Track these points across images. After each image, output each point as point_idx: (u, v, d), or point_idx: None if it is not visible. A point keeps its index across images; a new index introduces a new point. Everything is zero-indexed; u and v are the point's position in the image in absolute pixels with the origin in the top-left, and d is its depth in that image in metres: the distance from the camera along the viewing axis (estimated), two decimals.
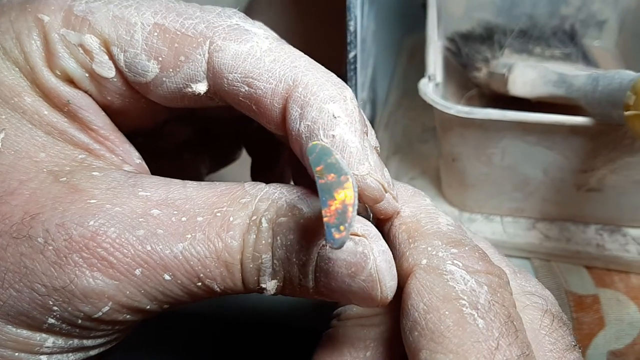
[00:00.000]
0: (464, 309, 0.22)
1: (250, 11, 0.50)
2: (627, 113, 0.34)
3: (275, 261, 0.24)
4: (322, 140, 0.24)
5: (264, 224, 0.24)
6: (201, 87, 0.26)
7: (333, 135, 0.24)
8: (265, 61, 0.25)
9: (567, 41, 0.56)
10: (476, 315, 0.22)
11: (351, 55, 0.39)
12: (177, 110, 0.30)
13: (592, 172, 0.42)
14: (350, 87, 0.41)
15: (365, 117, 0.27)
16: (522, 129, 0.41)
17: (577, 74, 0.42)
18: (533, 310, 0.25)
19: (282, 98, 0.25)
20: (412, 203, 0.27)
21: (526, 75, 0.45)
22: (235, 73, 0.25)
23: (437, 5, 0.52)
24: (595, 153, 0.41)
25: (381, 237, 0.24)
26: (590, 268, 0.46)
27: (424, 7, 0.67)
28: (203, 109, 0.34)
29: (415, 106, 0.59)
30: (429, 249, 0.24)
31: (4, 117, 0.25)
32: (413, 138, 0.57)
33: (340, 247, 0.20)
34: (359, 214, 0.24)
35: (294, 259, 0.24)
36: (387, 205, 0.25)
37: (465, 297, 0.22)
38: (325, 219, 0.20)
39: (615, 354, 0.42)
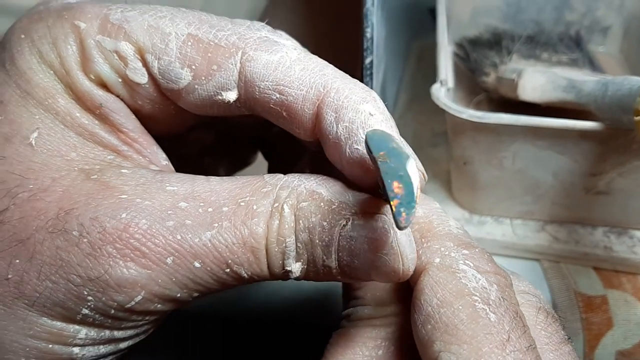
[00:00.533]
0: (477, 304, 0.23)
1: (264, 18, 0.51)
2: (637, 118, 0.35)
3: (298, 244, 0.25)
4: (362, 137, 0.24)
5: (286, 210, 0.25)
6: (231, 95, 0.27)
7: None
8: (296, 69, 0.26)
9: (573, 47, 0.58)
10: (488, 310, 0.23)
11: (367, 61, 0.40)
12: (201, 118, 0.31)
13: (601, 176, 0.43)
14: None
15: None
16: (533, 133, 0.42)
17: (586, 79, 0.43)
18: (528, 308, 0.26)
19: (313, 104, 0.26)
20: (424, 205, 0.28)
21: (536, 80, 0.46)
22: (266, 81, 0.26)
23: (446, 12, 0.53)
24: (605, 157, 0.42)
25: None
26: (598, 269, 0.47)
27: (431, 12, 0.69)
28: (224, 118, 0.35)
29: (424, 110, 0.60)
30: (442, 249, 0.25)
31: (37, 117, 0.26)
32: (423, 142, 0.58)
33: (407, 227, 0.21)
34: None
35: (317, 241, 0.25)
36: None
37: (478, 294, 0.23)
38: (394, 202, 0.21)
39: (623, 354, 0.43)
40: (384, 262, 0.24)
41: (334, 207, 0.25)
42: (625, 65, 0.61)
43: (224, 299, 0.45)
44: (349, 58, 0.48)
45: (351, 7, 0.45)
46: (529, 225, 0.49)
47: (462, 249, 0.25)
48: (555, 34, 0.60)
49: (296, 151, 0.37)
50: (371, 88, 0.41)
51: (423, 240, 0.26)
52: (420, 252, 0.26)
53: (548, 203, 0.47)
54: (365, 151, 0.24)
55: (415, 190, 0.21)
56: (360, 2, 0.41)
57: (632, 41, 0.61)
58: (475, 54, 0.56)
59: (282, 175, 0.27)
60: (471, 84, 0.57)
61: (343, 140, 0.25)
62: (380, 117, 0.25)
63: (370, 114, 0.25)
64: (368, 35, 0.38)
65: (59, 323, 0.25)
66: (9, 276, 0.24)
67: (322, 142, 0.27)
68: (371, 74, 0.40)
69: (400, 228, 0.21)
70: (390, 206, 0.21)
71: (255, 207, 0.25)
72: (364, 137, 0.24)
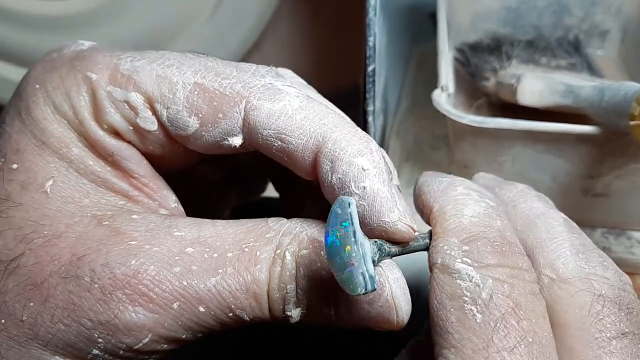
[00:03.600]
0: (465, 305, 0.23)
1: (270, 28, 0.52)
2: (632, 123, 0.36)
3: (299, 290, 0.26)
4: (353, 190, 0.26)
5: (288, 257, 0.26)
6: (237, 141, 0.28)
7: (364, 187, 0.26)
8: (297, 119, 0.27)
9: (572, 51, 0.58)
10: (475, 310, 0.23)
11: (370, 68, 0.41)
12: (209, 156, 0.32)
13: (599, 178, 0.44)
14: (368, 98, 0.44)
15: (389, 162, 0.29)
16: (531, 137, 0.42)
17: (583, 84, 0.44)
18: (585, 296, 0.25)
19: (312, 152, 0.27)
20: (441, 198, 0.28)
21: (534, 85, 0.47)
22: (269, 130, 0.27)
23: (446, 17, 0.54)
24: (602, 160, 0.43)
25: (396, 265, 0.26)
26: None
27: (431, 17, 0.69)
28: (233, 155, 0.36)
29: (425, 115, 0.61)
30: (445, 247, 0.25)
31: (52, 165, 0.28)
32: (424, 146, 0.59)
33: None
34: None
35: (316, 289, 0.26)
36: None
37: (468, 294, 0.24)
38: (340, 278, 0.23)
39: None
40: (379, 313, 0.26)
41: None
42: (623, 69, 0.62)
43: None
44: (352, 65, 0.50)
45: (354, 15, 0.46)
46: None
47: (464, 245, 0.25)
48: (554, 39, 0.61)
49: (306, 183, 0.38)
50: (373, 95, 0.43)
51: (435, 237, 0.26)
52: (430, 251, 0.26)
53: None
54: None
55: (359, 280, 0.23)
56: (363, 11, 0.42)
57: (630, 45, 0.62)
58: (475, 59, 0.57)
59: (285, 220, 0.28)
60: (471, 88, 0.58)
61: (336, 189, 0.26)
62: (374, 171, 0.26)
63: (363, 168, 0.26)
64: (370, 44, 0.40)
65: None
66: (24, 318, 0.25)
67: (320, 185, 0.27)
68: (373, 81, 0.42)
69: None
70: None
71: (258, 253, 0.26)
72: (354, 190, 0.26)
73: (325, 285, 0.26)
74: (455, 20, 0.62)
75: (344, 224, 0.23)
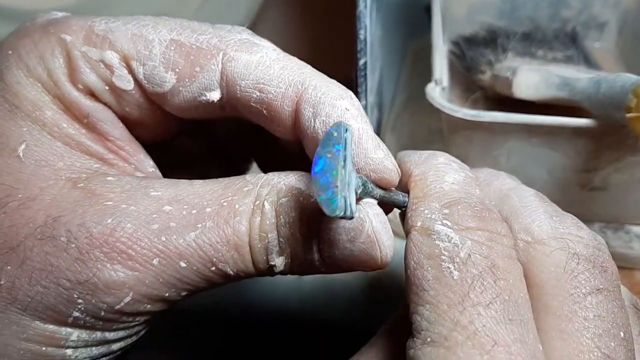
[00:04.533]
0: (443, 263, 0.24)
1: (260, 19, 0.52)
2: (629, 115, 0.36)
3: (280, 239, 0.26)
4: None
5: (267, 207, 0.26)
6: (215, 95, 0.28)
7: (350, 126, 0.25)
8: (275, 68, 0.27)
9: (569, 44, 0.58)
10: (452, 268, 0.24)
11: (361, 62, 0.40)
12: (188, 124, 0.32)
13: (596, 172, 0.44)
14: (360, 92, 0.43)
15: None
16: (527, 131, 0.42)
17: (579, 77, 0.43)
18: (560, 254, 0.25)
19: (292, 101, 0.27)
20: (423, 165, 0.29)
21: (530, 78, 0.46)
22: (247, 80, 0.27)
23: (441, 10, 0.53)
24: (599, 153, 0.42)
25: (375, 203, 0.27)
26: None
27: (427, 11, 0.69)
28: (212, 125, 0.36)
29: (420, 109, 0.61)
30: (426, 211, 0.26)
31: (25, 129, 0.28)
32: (419, 140, 0.58)
33: (334, 215, 0.23)
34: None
35: (298, 234, 0.26)
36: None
37: (447, 253, 0.24)
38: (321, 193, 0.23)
39: None
40: (362, 250, 0.26)
41: (312, 200, 0.26)
42: (621, 61, 0.61)
43: (224, 297, 0.46)
44: (345, 59, 0.49)
45: (346, 8, 0.45)
46: None
47: (444, 208, 0.26)
48: (551, 31, 0.60)
49: (287, 159, 0.38)
50: (365, 89, 0.42)
51: (414, 201, 0.27)
52: (409, 215, 0.27)
53: None
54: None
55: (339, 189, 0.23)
56: (354, 4, 0.41)
57: (628, 37, 0.61)
58: (471, 52, 0.56)
59: (262, 174, 0.28)
60: (467, 81, 0.57)
61: (320, 134, 0.26)
62: (355, 112, 0.26)
63: (346, 109, 0.26)
64: (361, 37, 0.39)
65: (51, 326, 0.26)
66: (1, 282, 0.25)
67: (302, 138, 0.28)
68: (365, 75, 0.41)
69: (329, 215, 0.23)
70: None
71: (237, 206, 0.26)
72: None
73: (307, 230, 0.26)
74: (451, 12, 0.61)
75: (337, 146, 0.23)
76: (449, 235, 0.25)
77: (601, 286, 0.25)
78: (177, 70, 0.28)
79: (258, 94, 0.27)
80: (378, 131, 0.56)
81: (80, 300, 0.25)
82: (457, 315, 0.22)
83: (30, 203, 0.26)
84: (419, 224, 0.26)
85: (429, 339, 0.23)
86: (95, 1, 0.48)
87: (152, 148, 0.32)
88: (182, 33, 0.28)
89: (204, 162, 0.39)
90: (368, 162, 0.26)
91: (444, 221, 0.25)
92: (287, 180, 0.27)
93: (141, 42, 0.28)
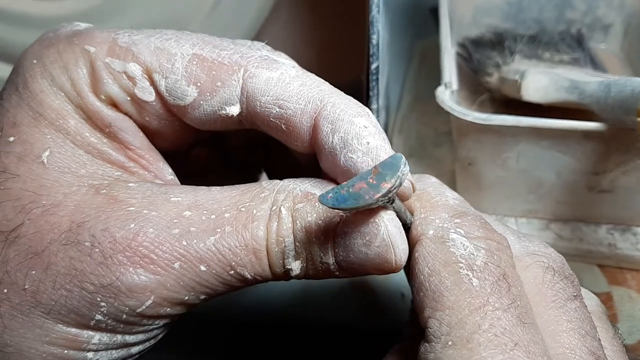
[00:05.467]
0: (461, 270, 0.25)
1: (269, 24, 0.52)
2: (639, 119, 0.36)
3: (297, 243, 0.27)
4: (357, 147, 0.26)
5: (284, 212, 0.27)
6: (234, 110, 0.28)
7: (368, 143, 0.26)
8: (294, 85, 0.28)
9: (575, 46, 0.58)
10: (471, 275, 0.25)
11: (373, 66, 0.40)
12: (204, 135, 0.33)
13: (604, 175, 0.44)
14: (372, 96, 0.43)
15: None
16: (536, 134, 0.42)
17: (588, 80, 0.44)
18: (536, 268, 0.28)
19: (310, 117, 0.28)
20: (420, 182, 0.30)
21: (539, 81, 0.47)
22: (267, 96, 0.28)
23: (448, 13, 0.54)
24: (607, 156, 0.43)
25: (390, 209, 0.27)
26: (602, 267, 0.48)
27: (432, 11, 0.69)
28: (225, 135, 0.37)
29: (427, 110, 0.61)
30: (437, 220, 0.27)
31: (49, 137, 0.28)
32: (427, 142, 0.59)
33: (323, 203, 0.24)
34: None
35: (314, 239, 0.27)
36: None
37: (464, 261, 0.25)
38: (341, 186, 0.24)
39: (627, 349, 0.43)
40: (377, 254, 0.26)
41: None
42: (626, 63, 0.61)
43: (225, 299, 0.46)
44: (353, 62, 0.49)
45: (355, 12, 0.46)
46: (533, 224, 0.49)
47: (455, 218, 0.27)
48: (557, 33, 0.60)
49: (295, 171, 0.38)
50: (377, 93, 0.42)
51: (422, 210, 0.28)
52: (418, 222, 0.28)
53: (552, 202, 0.48)
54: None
55: (346, 203, 0.24)
56: (363, 7, 0.42)
57: (633, 39, 0.61)
58: (477, 54, 0.57)
59: (278, 180, 0.29)
60: (474, 84, 0.57)
61: (338, 149, 0.27)
62: (373, 129, 0.27)
63: (364, 126, 0.27)
64: (374, 41, 0.39)
65: (73, 329, 0.26)
66: (26, 286, 0.26)
67: (318, 153, 0.28)
68: (377, 79, 0.41)
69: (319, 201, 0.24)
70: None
71: (255, 211, 0.27)
72: (358, 147, 0.26)
73: (323, 235, 0.27)
74: (456, 14, 0.61)
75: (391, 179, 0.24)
76: (464, 244, 0.26)
77: (575, 293, 0.27)
78: (198, 84, 0.28)
79: (277, 109, 0.28)
80: (385, 133, 0.57)
81: (103, 304, 0.26)
82: (478, 319, 0.24)
83: (54, 209, 0.27)
84: (431, 232, 0.27)
85: (450, 342, 0.24)
86: (109, 6, 0.48)
87: (168, 157, 0.32)
88: (204, 48, 0.29)
89: (216, 171, 0.40)
90: None
91: (457, 229, 0.26)
92: (302, 186, 0.28)
93: (164, 56, 0.28)
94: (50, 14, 0.48)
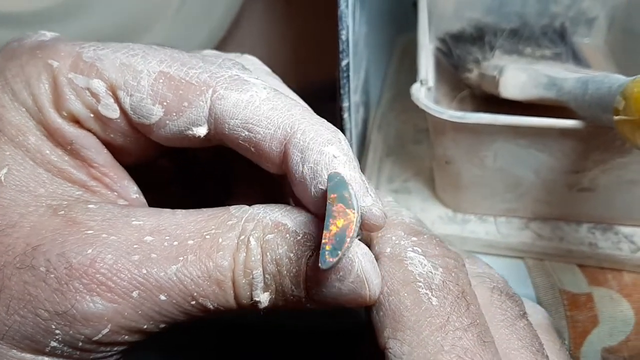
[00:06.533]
0: (420, 289, 0.25)
1: (242, 19, 0.51)
2: (616, 118, 0.35)
3: (266, 275, 0.26)
4: (326, 178, 0.26)
5: (253, 242, 0.26)
6: (201, 131, 0.28)
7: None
8: (264, 109, 0.27)
9: (558, 40, 0.57)
10: (430, 294, 0.25)
11: (344, 63, 0.39)
12: (169, 148, 0.32)
13: (584, 173, 0.43)
14: (343, 94, 0.42)
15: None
16: (513, 132, 0.41)
17: (566, 76, 0.43)
18: (482, 289, 0.28)
19: (280, 142, 0.27)
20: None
21: (516, 78, 0.46)
22: (236, 119, 0.27)
23: (428, 6, 0.53)
24: (587, 154, 0.42)
25: (362, 243, 0.27)
26: (583, 267, 0.47)
27: (414, 6, 0.68)
28: (192, 150, 0.36)
29: (407, 108, 0.60)
30: (393, 238, 0.27)
31: (8, 153, 0.27)
32: (406, 139, 0.57)
33: (329, 269, 0.22)
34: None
35: (285, 272, 0.26)
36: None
37: (422, 280, 0.25)
38: (323, 241, 0.22)
39: (609, 351, 0.43)
40: (351, 289, 0.25)
41: (299, 238, 0.26)
42: (610, 57, 0.60)
43: None
44: (329, 58, 0.48)
45: (330, 6, 0.44)
46: (512, 223, 0.48)
47: (412, 237, 0.27)
48: (539, 28, 0.59)
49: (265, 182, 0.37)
50: (347, 90, 0.41)
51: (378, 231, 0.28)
52: (375, 241, 0.28)
53: (531, 200, 0.47)
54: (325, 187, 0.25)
55: (345, 242, 0.23)
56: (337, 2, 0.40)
57: (617, 33, 0.60)
58: (458, 50, 0.56)
59: (247, 207, 0.28)
60: (455, 80, 0.56)
61: (308, 180, 0.26)
62: (344, 158, 0.26)
63: (334, 156, 0.26)
64: (343, 37, 0.38)
65: (28, 355, 0.26)
66: None
67: (289, 179, 0.27)
68: (348, 76, 0.40)
69: (322, 268, 0.22)
70: (321, 244, 0.23)
71: (220, 240, 0.26)
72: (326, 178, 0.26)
73: (294, 268, 0.26)
74: (438, 8, 0.60)
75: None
76: (422, 262, 0.26)
77: (522, 312, 0.28)
78: (164, 103, 0.27)
79: (246, 133, 0.27)
80: (364, 130, 0.55)
81: (58, 331, 0.25)
82: (440, 339, 0.23)
83: (9, 230, 0.26)
84: (388, 250, 0.27)
85: None
86: (73, 4, 0.46)
87: (131, 167, 0.32)
88: (171, 65, 0.28)
89: (180, 181, 0.39)
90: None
91: (415, 248, 0.26)
92: (272, 216, 0.27)
93: (129, 72, 0.28)
94: (15, 10, 0.47)
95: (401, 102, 0.62)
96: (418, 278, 0.25)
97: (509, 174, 0.45)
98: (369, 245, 0.27)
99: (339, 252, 0.22)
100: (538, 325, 0.29)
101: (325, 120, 0.28)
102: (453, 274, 0.26)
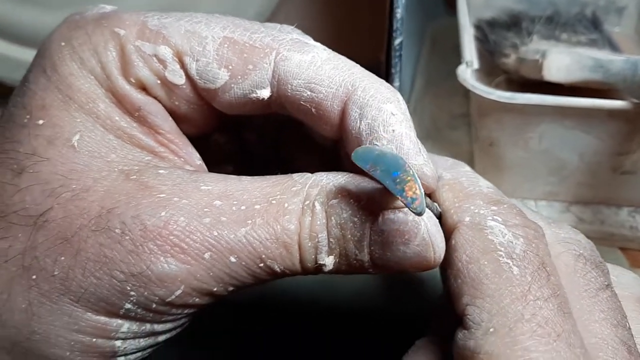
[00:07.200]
0: (501, 258, 0.25)
1: (283, 3, 0.51)
2: None
3: (331, 239, 0.26)
4: (382, 135, 0.26)
5: (317, 207, 0.26)
6: (265, 93, 0.28)
7: (393, 130, 0.26)
8: (326, 68, 0.27)
9: (592, 28, 0.57)
10: (511, 263, 0.24)
11: (397, 42, 0.40)
12: (224, 122, 0.32)
13: (628, 155, 0.43)
14: (394, 73, 0.42)
15: None
16: (560, 113, 0.41)
17: (612, 58, 0.43)
18: (567, 256, 0.27)
19: (342, 101, 0.27)
20: (452, 170, 0.30)
21: (561, 60, 0.46)
22: (299, 79, 0.27)
23: None
24: (632, 136, 0.42)
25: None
26: (625, 249, 0.47)
27: None
28: (244, 124, 0.37)
29: (441, 93, 0.60)
30: (472, 207, 0.27)
31: (79, 120, 0.28)
32: (442, 125, 0.58)
33: (423, 211, 0.23)
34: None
35: (349, 236, 0.26)
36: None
37: (503, 249, 0.25)
38: (401, 198, 0.23)
39: None
40: (417, 252, 0.26)
41: (362, 202, 0.26)
42: None
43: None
44: (369, 43, 0.48)
45: None
46: (553, 207, 0.49)
47: (491, 206, 0.27)
48: (572, 15, 0.59)
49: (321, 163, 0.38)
50: (399, 70, 0.41)
51: (455, 200, 0.28)
52: (452, 211, 0.27)
53: (573, 184, 0.47)
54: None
55: (415, 178, 0.23)
56: None
57: None
58: (493, 35, 0.56)
59: (310, 174, 0.28)
60: (489, 66, 0.56)
61: (364, 136, 0.26)
62: (401, 117, 0.26)
63: (392, 113, 0.26)
64: (398, 15, 0.38)
65: (103, 318, 0.26)
66: (55, 273, 0.25)
67: (344, 138, 0.28)
68: (400, 55, 0.40)
69: (418, 214, 0.23)
70: (401, 201, 0.23)
71: (286, 204, 0.26)
72: (384, 134, 0.26)
73: (358, 232, 0.26)
74: None
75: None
76: (502, 231, 0.25)
77: (606, 283, 0.27)
78: (230, 67, 0.28)
79: (309, 93, 0.27)
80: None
81: (133, 292, 0.25)
82: (520, 308, 0.23)
83: (84, 194, 0.26)
84: (467, 219, 0.26)
85: (491, 330, 0.23)
86: None
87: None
88: (235, 31, 0.28)
89: (234, 162, 0.39)
90: None
91: (495, 217, 0.26)
92: (335, 181, 0.27)
93: (195, 39, 0.28)
94: None
95: (434, 88, 0.62)
96: (499, 247, 0.25)
97: (553, 157, 0.45)
98: (445, 214, 0.27)
99: (418, 191, 0.23)
100: (627, 296, 0.28)
101: (384, 81, 0.28)
102: (533, 245, 0.25)
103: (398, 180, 0.23)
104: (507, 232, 0.25)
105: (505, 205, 0.27)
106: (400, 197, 0.23)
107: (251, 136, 0.39)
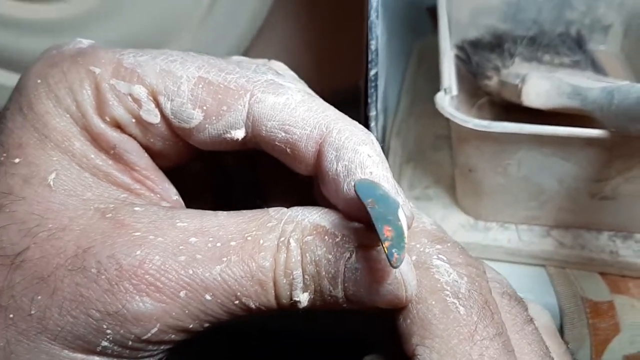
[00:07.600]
0: (448, 298, 0.25)
1: (265, 30, 0.51)
2: None
3: (306, 276, 0.26)
4: (360, 177, 0.27)
5: (293, 244, 0.26)
6: (239, 134, 0.28)
7: (371, 172, 0.27)
8: (300, 110, 0.28)
9: (575, 48, 0.57)
10: (458, 303, 0.25)
11: (372, 73, 0.40)
12: (202, 153, 0.32)
13: (607, 181, 0.43)
14: (370, 102, 0.43)
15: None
16: (538, 141, 0.41)
17: (591, 86, 0.43)
18: (494, 295, 0.28)
19: (316, 142, 0.28)
20: None
21: (540, 86, 0.46)
22: (273, 121, 0.28)
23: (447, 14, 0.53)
24: (610, 163, 0.42)
25: None
26: (604, 274, 0.47)
27: (429, 11, 0.68)
28: (222, 154, 0.37)
29: (426, 113, 0.60)
30: (417, 245, 0.27)
31: (55, 159, 0.28)
32: (425, 146, 0.58)
33: (399, 265, 0.23)
34: None
35: (324, 273, 0.26)
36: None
37: (449, 288, 0.26)
38: (386, 244, 0.23)
39: (630, 359, 0.43)
40: (389, 291, 0.26)
41: (337, 240, 0.26)
42: (626, 64, 0.61)
43: None
44: (351, 68, 0.48)
45: (352, 17, 0.45)
46: (534, 231, 0.49)
47: (436, 244, 0.27)
48: (556, 35, 0.59)
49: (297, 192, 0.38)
50: (375, 99, 0.42)
51: None
52: None
53: (553, 208, 0.47)
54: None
55: (404, 232, 0.23)
56: (361, 12, 0.41)
57: (633, 40, 0.61)
58: (476, 57, 0.56)
59: (285, 209, 0.28)
60: (473, 87, 0.56)
61: (341, 177, 0.27)
62: (377, 159, 0.27)
63: (368, 155, 0.27)
64: (373, 47, 0.38)
65: (80, 355, 0.26)
66: (32, 312, 0.25)
67: (321, 179, 0.28)
68: (376, 85, 0.40)
69: (393, 267, 0.23)
70: (383, 248, 0.23)
71: (261, 241, 0.27)
72: (362, 176, 0.26)
73: (332, 269, 0.26)
74: (454, 15, 0.60)
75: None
76: (447, 270, 0.26)
77: (529, 317, 0.28)
78: (204, 108, 0.28)
79: (283, 134, 0.28)
80: (383, 137, 0.56)
81: (109, 331, 0.25)
82: (468, 348, 0.24)
83: (60, 234, 0.26)
84: (413, 258, 0.27)
85: None
86: (103, 11, 0.47)
87: (167, 174, 0.32)
88: (209, 71, 0.28)
89: (213, 190, 0.40)
90: None
91: (440, 255, 0.27)
92: (311, 218, 0.27)
93: (169, 78, 0.28)
94: (45, 17, 0.47)
95: (419, 108, 0.62)
96: (445, 286, 0.26)
97: (532, 182, 0.45)
98: None
99: (403, 244, 0.23)
100: (543, 328, 0.29)
101: (357, 122, 0.28)
102: (476, 283, 0.26)
103: (388, 228, 0.23)
104: (452, 271, 0.26)
105: (448, 244, 0.27)
106: (383, 245, 0.23)
107: (229, 160, 0.39)
